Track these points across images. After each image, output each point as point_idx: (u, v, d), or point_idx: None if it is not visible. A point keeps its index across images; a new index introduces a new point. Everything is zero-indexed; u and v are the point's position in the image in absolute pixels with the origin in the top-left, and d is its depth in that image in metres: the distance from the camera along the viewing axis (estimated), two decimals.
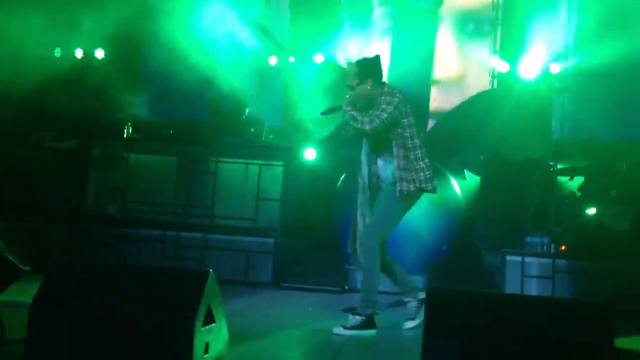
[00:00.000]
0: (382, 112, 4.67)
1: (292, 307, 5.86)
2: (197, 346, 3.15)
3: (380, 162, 4.95)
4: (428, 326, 3.17)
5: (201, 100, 7.78)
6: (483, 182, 7.39)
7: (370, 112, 4.72)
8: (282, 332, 4.64)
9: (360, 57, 5.10)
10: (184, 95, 7.71)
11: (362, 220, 5.46)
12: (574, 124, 7.92)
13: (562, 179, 7.31)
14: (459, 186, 7.32)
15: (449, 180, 7.22)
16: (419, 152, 4.81)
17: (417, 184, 4.77)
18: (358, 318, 4.67)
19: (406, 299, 5.01)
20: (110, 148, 7.40)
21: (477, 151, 7.43)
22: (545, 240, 6.99)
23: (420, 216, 6.24)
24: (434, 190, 4.91)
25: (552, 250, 6.87)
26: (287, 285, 6.70)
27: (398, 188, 4.76)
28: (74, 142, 7.30)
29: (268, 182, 7.27)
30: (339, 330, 4.66)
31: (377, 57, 5.00)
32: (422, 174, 4.79)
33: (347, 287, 6.69)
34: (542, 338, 2.95)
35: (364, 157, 5.46)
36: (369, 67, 4.87)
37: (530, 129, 7.52)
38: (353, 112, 4.72)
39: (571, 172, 7.31)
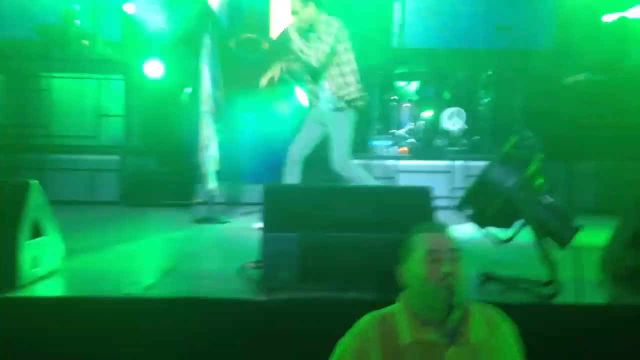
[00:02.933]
0: (323, 44, 4.98)
1: (137, 222, 5.73)
2: (23, 260, 3.01)
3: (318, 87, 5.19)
4: (267, 220, 3.23)
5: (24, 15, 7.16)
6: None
7: (313, 45, 5.00)
8: (125, 245, 4.54)
9: None
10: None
11: (204, 130, 5.48)
12: (412, 34, 8.17)
13: (401, 84, 7.57)
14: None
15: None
16: (352, 74, 5.12)
17: (352, 97, 5.10)
18: None
19: None
20: None
21: None
22: (389, 143, 7.28)
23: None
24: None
25: (395, 152, 7.19)
26: (136, 202, 6.55)
27: (338, 106, 5.09)
28: None
29: (109, 98, 6.95)
30: (258, 224, 4.91)
31: None
32: (352, 89, 5.12)
33: (198, 200, 6.65)
34: (371, 222, 3.10)
35: (205, 68, 5.48)
36: None
37: (372, 37, 7.68)
38: (301, 44, 5.01)
39: (409, 77, 7.59)
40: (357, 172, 5.20)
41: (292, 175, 5.18)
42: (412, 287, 2.21)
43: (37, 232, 3.17)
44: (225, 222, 5.62)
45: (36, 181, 3.28)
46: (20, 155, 6.48)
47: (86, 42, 6.90)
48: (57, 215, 3.48)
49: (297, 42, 5.01)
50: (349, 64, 5.14)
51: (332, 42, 4.99)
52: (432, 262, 2.15)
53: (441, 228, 2.27)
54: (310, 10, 5.04)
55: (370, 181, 5.17)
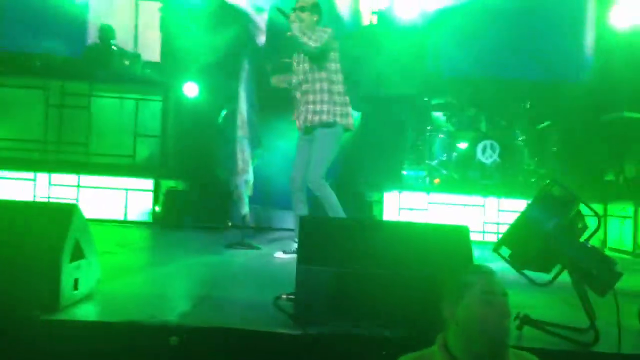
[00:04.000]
0: (323, 33, 5.06)
1: (171, 244, 5.77)
2: (65, 282, 3.04)
3: (304, 106, 5.19)
4: (302, 253, 3.23)
5: (71, 32, 7.34)
6: (363, 119, 7.53)
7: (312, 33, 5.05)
8: (159, 268, 4.57)
9: None
10: (52, 27, 7.26)
11: (241, 154, 5.51)
12: (448, 61, 8.19)
13: (437, 114, 7.57)
14: None
15: None
16: (341, 88, 5.18)
17: (339, 118, 5.11)
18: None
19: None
20: None
21: (355, 88, 7.52)
22: (421, 173, 7.26)
23: None
24: (352, 127, 5.28)
25: (427, 183, 7.17)
26: (169, 223, 6.60)
27: (326, 120, 5.08)
28: None
29: (146, 119, 7.04)
30: (279, 254, 5.21)
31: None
32: (342, 108, 5.14)
33: (230, 224, 6.68)
34: (408, 259, 3.08)
35: (242, 92, 5.55)
36: (320, 6, 5.30)
37: (407, 66, 7.71)
38: (301, 27, 5.08)
39: (444, 107, 7.58)
40: (327, 192, 5.10)
41: (299, 204, 5.18)
42: (462, 328, 2.17)
43: (77, 254, 3.21)
44: (257, 249, 5.62)
45: (77, 204, 3.32)
46: (57, 171, 6.56)
47: (127, 62, 7.04)
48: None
49: (297, 26, 5.05)
50: (337, 75, 5.18)
51: (328, 36, 5.04)
52: (488, 304, 2.13)
53: (492, 271, 2.26)
54: (314, 18, 5.20)
55: (337, 207, 5.09)
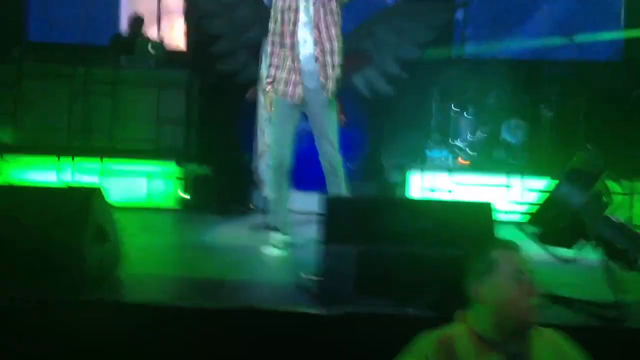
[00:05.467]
0: None
1: (195, 228, 5.80)
2: (90, 263, 3.07)
3: (308, 64, 4.33)
4: (326, 232, 3.22)
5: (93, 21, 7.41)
6: (387, 98, 7.50)
7: None
8: (182, 251, 4.59)
9: None
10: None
11: (262, 135, 5.48)
12: (474, 42, 8.11)
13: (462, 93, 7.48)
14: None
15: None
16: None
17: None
18: None
19: None
20: None
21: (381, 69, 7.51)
22: (445, 154, 7.19)
23: None
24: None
25: (452, 164, 7.09)
26: (193, 208, 6.62)
27: (327, 87, 4.31)
28: None
29: (170, 105, 7.06)
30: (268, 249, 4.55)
31: None
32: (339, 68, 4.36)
33: (252, 207, 6.69)
34: (431, 236, 3.06)
35: (264, 70, 5.41)
36: None
37: (431, 46, 7.65)
38: None
39: (469, 87, 7.49)
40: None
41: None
42: (487, 306, 2.13)
43: (101, 237, 3.23)
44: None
45: (99, 187, 3.34)
46: (82, 159, 6.62)
47: (152, 50, 7.07)
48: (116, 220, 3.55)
49: None
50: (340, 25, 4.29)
51: None
52: (515, 282, 2.10)
53: (518, 246, 2.22)
54: None
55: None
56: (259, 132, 5.64)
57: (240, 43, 7.47)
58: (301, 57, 4.28)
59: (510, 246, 2.22)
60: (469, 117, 7.37)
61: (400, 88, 7.46)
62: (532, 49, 7.89)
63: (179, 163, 6.75)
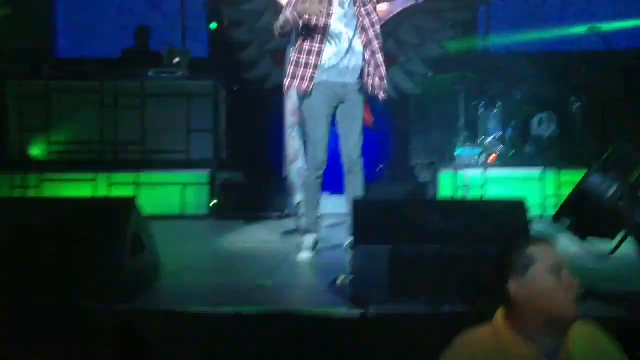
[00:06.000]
0: None
1: (229, 236, 5.84)
2: (127, 272, 3.12)
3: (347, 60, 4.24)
4: (357, 233, 3.23)
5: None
6: (414, 98, 7.50)
7: None
8: (217, 259, 4.64)
9: None
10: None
11: (292, 142, 5.52)
12: (499, 37, 8.06)
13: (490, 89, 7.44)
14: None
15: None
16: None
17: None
18: None
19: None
20: (27, 87, 7.06)
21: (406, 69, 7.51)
22: (476, 151, 7.13)
23: None
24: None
25: (483, 161, 7.03)
26: (225, 215, 6.68)
27: (384, 87, 4.25)
28: None
29: (199, 114, 7.14)
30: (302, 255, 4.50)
31: None
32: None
33: (285, 213, 6.72)
34: (464, 234, 3.04)
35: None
36: None
37: (458, 43, 7.63)
38: None
39: (497, 83, 7.44)
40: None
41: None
42: (526, 304, 2.10)
43: (138, 247, 3.28)
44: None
45: (134, 197, 3.40)
46: (115, 170, 6.72)
47: (176, 59, 7.16)
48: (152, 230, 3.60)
49: None
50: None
51: None
52: (554, 278, 2.08)
53: (554, 241, 2.20)
54: None
55: None
56: (287, 138, 5.67)
57: (265, 50, 7.55)
58: (335, 52, 4.18)
59: (546, 241, 2.20)
60: (498, 112, 7.31)
61: (426, 87, 7.45)
62: (558, 40, 7.81)
63: (210, 172, 6.82)
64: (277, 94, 6.25)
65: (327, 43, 4.12)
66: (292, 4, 4.11)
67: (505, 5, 8.19)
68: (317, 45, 4.10)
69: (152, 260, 3.49)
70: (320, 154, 4.25)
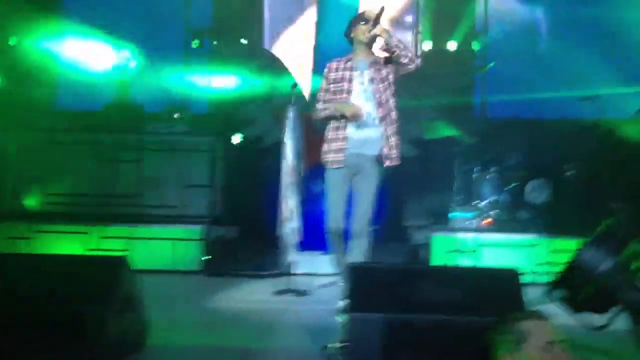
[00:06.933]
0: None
1: (220, 293, 5.79)
2: (114, 333, 3.08)
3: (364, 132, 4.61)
4: (351, 300, 3.20)
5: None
6: (409, 160, 7.54)
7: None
8: (208, 317, 4.58)
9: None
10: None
11: (285, 202, 5.55)
12: (494, 103, 8.19)
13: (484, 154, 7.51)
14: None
15: None
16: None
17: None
18: None
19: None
20: (27, 139, 7.10)
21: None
22: (470, 215, 7.15)
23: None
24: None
25: (477, 225, 7.04)
26: (217, 272, 6.62)
27: (394, 155, 4.60)
28: None
29: (195, 169, 7.17)
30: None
31: None
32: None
33: (277, 272, 6.67)
34: (457, 304, 3.02)
35: (288, 141, 5.57)
36: None
37: (453, 108, 7.74)
38: (395, 37, 4.56)
39: (491, 148, 7.52)
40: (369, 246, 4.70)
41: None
42: None
43: (126, 308, 3.25)
44: (305, 295, 5.60)
45: (125, 255, 3.37)
46: (108, 223, 6.69)
47: (177, 115, 7.24)
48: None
49: (391, 35, 4.52)
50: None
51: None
52: (548, 354, 2.07)
53: (547, 317, 2.20)
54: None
55: None
56: (283, 198, 5.70)
57: (264, 109, 7.64)
58: (355, 125, 4.54)
59: (540, 316, 2.20)
60: (492, 177, 7.36)
61: (422, 149, 7.51)
62: (554, 108, 7.92)
63: (203, 227, 6.80)
64: (275, 152, 6.32)
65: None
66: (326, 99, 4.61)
67: (502, 72, 8.34)
68: (343, 120, 4.55)
69: (141, 320, 3.44)
70: (338, 217, 4.60)
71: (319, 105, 4.71)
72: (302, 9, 8.44)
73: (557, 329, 2.15)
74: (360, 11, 4.80)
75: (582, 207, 7.10)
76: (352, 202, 4.68)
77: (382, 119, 4.55)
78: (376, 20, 4.52)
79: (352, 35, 4.66)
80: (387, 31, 4.56)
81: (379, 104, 4.54)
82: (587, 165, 7.29)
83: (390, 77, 4.59)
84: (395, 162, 4.64)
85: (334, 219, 4.61)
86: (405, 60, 4.46)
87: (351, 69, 4.61)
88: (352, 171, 4.63)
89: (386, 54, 4.57)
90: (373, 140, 4.58)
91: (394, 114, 4.59)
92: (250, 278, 6.39)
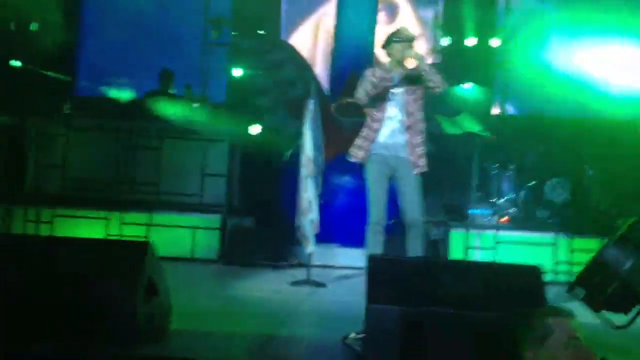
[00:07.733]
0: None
1: (238, 282, 5.83)
2: (140, 317, 3.12)
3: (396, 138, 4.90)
4: (371, 291, 3.21)
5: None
6: (428, 155, 7.51)
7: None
8: (226, 306, 4.62)
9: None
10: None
11: (304, 193, 5.58)
12: (515, 99, 8.16)
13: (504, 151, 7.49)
14: None
15: None
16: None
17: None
18: None
19: None
20: (48, 125, 7.16)
21: None
22: (488, 212, 7.14)
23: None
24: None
25: (494, 221, 7.03)
26: (233, 261, 6.66)
27: (421, 164, 4.87)
28: (6, 119, 7.04)
29: (213, 158, 7.20)
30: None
31: None
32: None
33: (294, 262, 6.70)
34: (477, 299, 3.03)
35: (307, 132, 5.62)
36: None
37: (473, 103, 7.72)
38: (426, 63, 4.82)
39: (510, 144, 7.50)
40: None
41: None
42: None
43: (151, 292, 3.28)
44: (323, 286, 5.63)
45: (149, 240, 3.41)
46: (128, 210, 6.75)
47: (196, 104, 7.26)
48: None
49: (424, 59, 4.80)
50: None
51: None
52: (572, 350, 2.08)
53: (571, 314, 2.20)
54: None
55: None
56: (301, 190, 5.72)
57: (282, 100, 7.66)
58: (390, 131, 4.88)
59: (563, 313, 2.20)
60: (511, 174, 7.34)
61: (441, 145, 7.48)
62: (574, 106, 7.87)
63: (222, 216, 6.84)
64: (292, 144, 6.33)
65: (384, 123, 4.87)
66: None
67: (521, 67, 8.28)
68: (377, 124, 4.88)
69: (164, 305, 3.48)
70: (378, 212, 4.88)
71: (360, 94, 4.86)
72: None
73: (580, 326, 2.14)
74: (396, 29, 5.07)
75: (602, 206, 7.07)
76: (398, 197, 4.96)
77: (409, 127, 4.86)
78: (410, 42, 4.82)
79: (388, 51, 4.92)
80: (420, 55, 4.81)
81: (408, 114, 4.85)
82: (607, 164, 7.24)
83: (419, 92, 4.87)
84: (422, 170, 4.91)
85: (376, 212, 4.88)
86: (431, 85, 4.73)
87: (390, 79, 4.87)
88: (388, 172, 4.94)
89: (416, 73, 4.80)
90: (405, 144, 4.88)
91: (420, 126, 4.88)
92: (267, 268, 6.42)
